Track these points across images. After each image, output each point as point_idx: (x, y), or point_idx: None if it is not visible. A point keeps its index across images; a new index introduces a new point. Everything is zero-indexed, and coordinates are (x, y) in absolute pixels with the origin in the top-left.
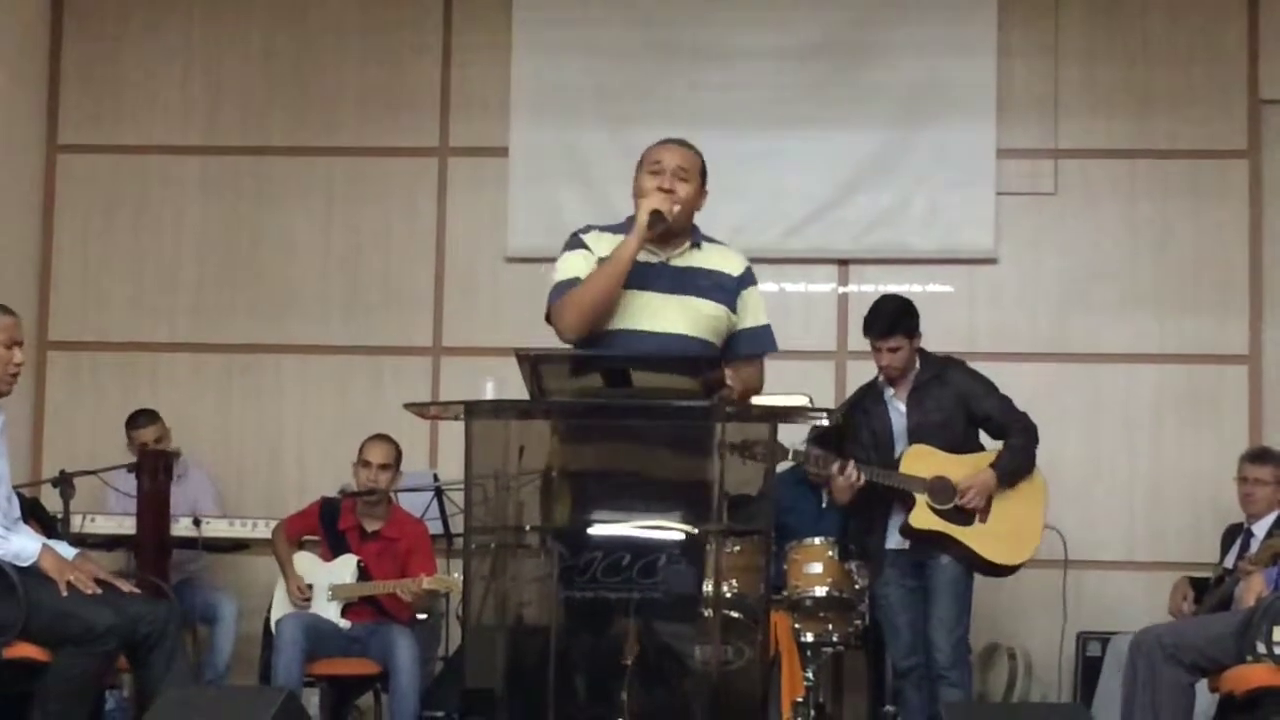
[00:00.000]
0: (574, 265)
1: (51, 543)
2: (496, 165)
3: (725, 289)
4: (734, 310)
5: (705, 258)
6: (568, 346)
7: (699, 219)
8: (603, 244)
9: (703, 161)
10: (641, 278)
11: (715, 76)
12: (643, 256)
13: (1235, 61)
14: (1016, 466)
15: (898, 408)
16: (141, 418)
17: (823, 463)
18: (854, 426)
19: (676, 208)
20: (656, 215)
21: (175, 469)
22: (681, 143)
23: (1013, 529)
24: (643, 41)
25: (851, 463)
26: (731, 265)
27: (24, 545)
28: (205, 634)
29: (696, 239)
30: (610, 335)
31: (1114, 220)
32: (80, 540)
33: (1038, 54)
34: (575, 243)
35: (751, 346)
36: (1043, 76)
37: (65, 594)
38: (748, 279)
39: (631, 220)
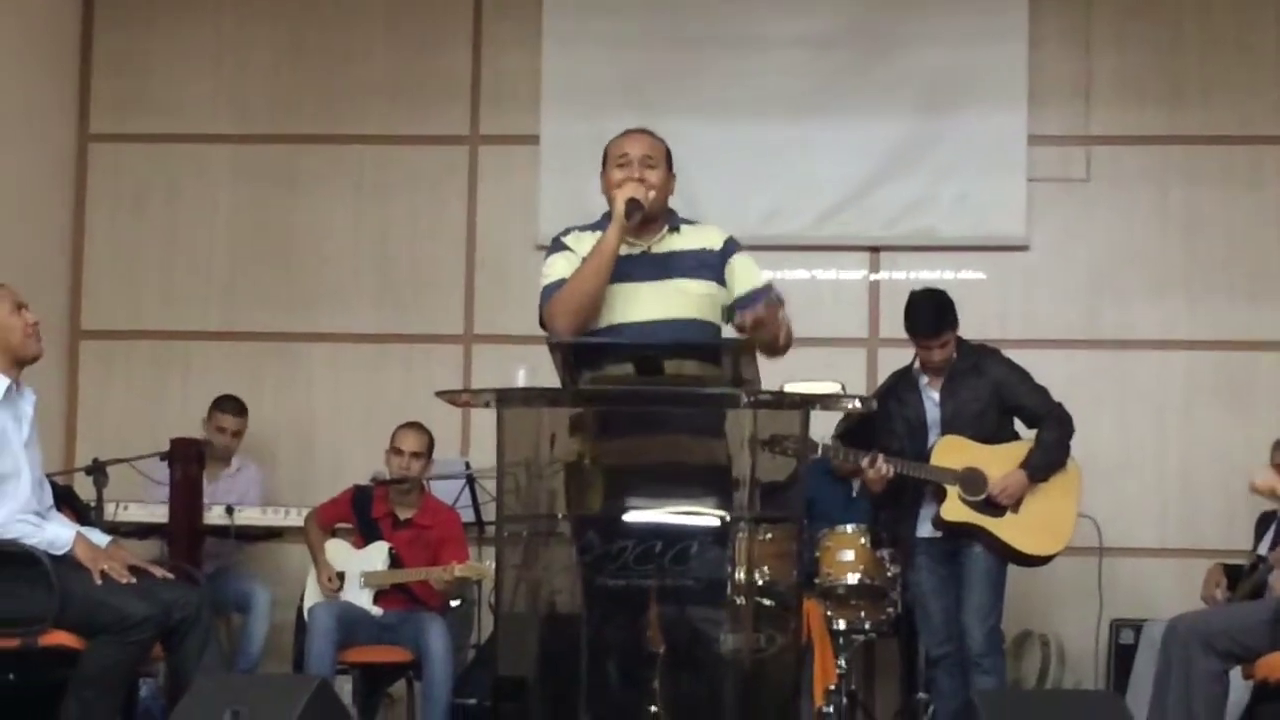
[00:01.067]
0: (559, 267)
1: (85, 531)
2: (527, 153)
3: (710, 265)
4: (723, 283)
5: (685, 239)
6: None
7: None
8: (584, 243)
9: (667, 147)
10: (626, 270)
11: (745, 65)
12: (624, 249)
13: (1268, 47)
14: (1049, 462)
15: (932, 397)
16: (230, 404)
17: (851, 456)
18: (887, 414)
19: (651, 193)
20: (633, 203)
21: (232, 463)
22: (644, 131)
23: (1046, 520)
24: (672, 30)
25: (880, 456)
26: (711, 240)
27: (58, 533)
28: (239, 622)
29: (674, 223)
30: (612, 329)
31: (1146, 207)
32: (113, 528)
33: (1069, 40)
34: (557, 246)
35: (756, 304)
36: (1074, 62)
37: (99, 582)
38: (730, 247)
39: (608, 216)
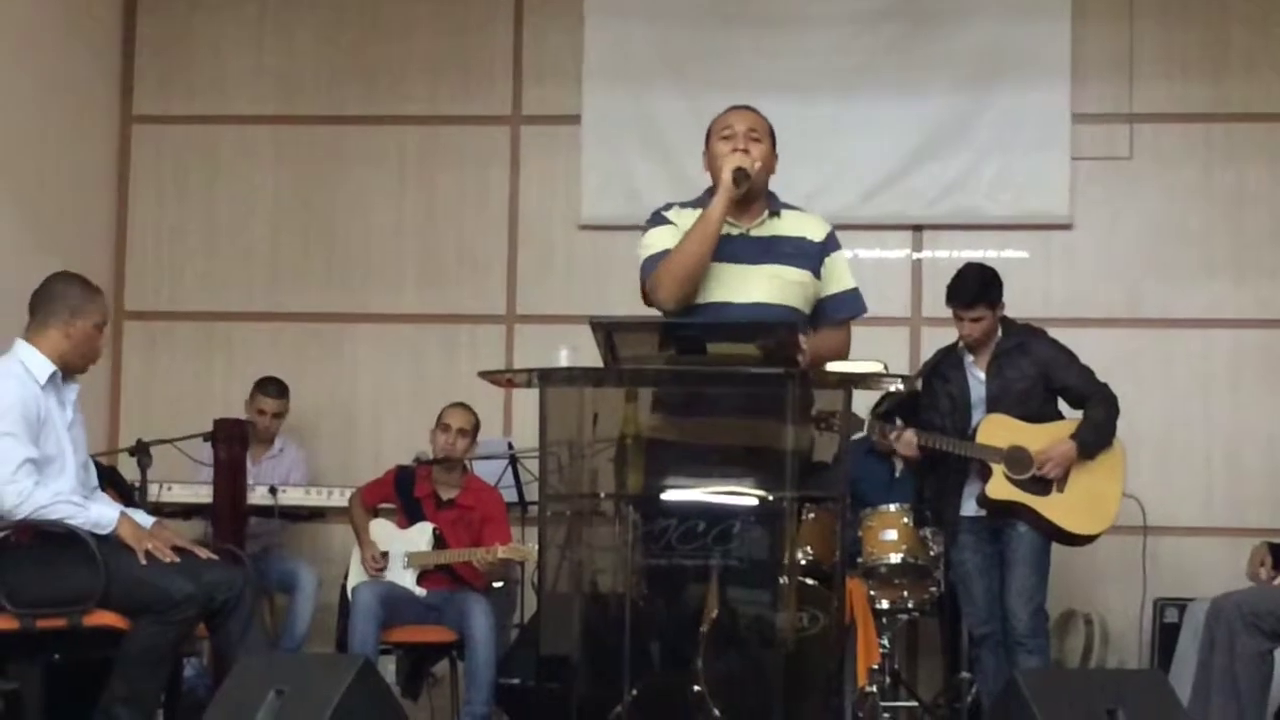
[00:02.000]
0: (661, 239)
1: (129, 511)
2: (569, 132)
3: (809, 254)
4: (818, 275)
5: (786, 225)
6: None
7: (772, 184)
8: (685, 218)
9: (771, 125)
10: (723, 250)
11: (787, 42)
12: (724, 229)
13: None
14: (1097, 439)
15: (977, 375)
16: (270, 386)
17: (879, 429)
18: (931, 391)
19: (757, 164)
20: (740, 172)
21: (275, 445)
22: (748, 108)
23: (1091, 499)
24: (714, 7)
25: (910, 430)
26: (814, 230)
27: (102, 514)
28: (284, 603)
29: (775, 207)
30: (698, 309)
31: (1190, 185)
32: (157, 509)
33: (1113, 17)
34: (658, 219)
35: (840, 311)
36: (1118, 40)
37: (143, 562)
38: (832, 243)
39: (710, 192)
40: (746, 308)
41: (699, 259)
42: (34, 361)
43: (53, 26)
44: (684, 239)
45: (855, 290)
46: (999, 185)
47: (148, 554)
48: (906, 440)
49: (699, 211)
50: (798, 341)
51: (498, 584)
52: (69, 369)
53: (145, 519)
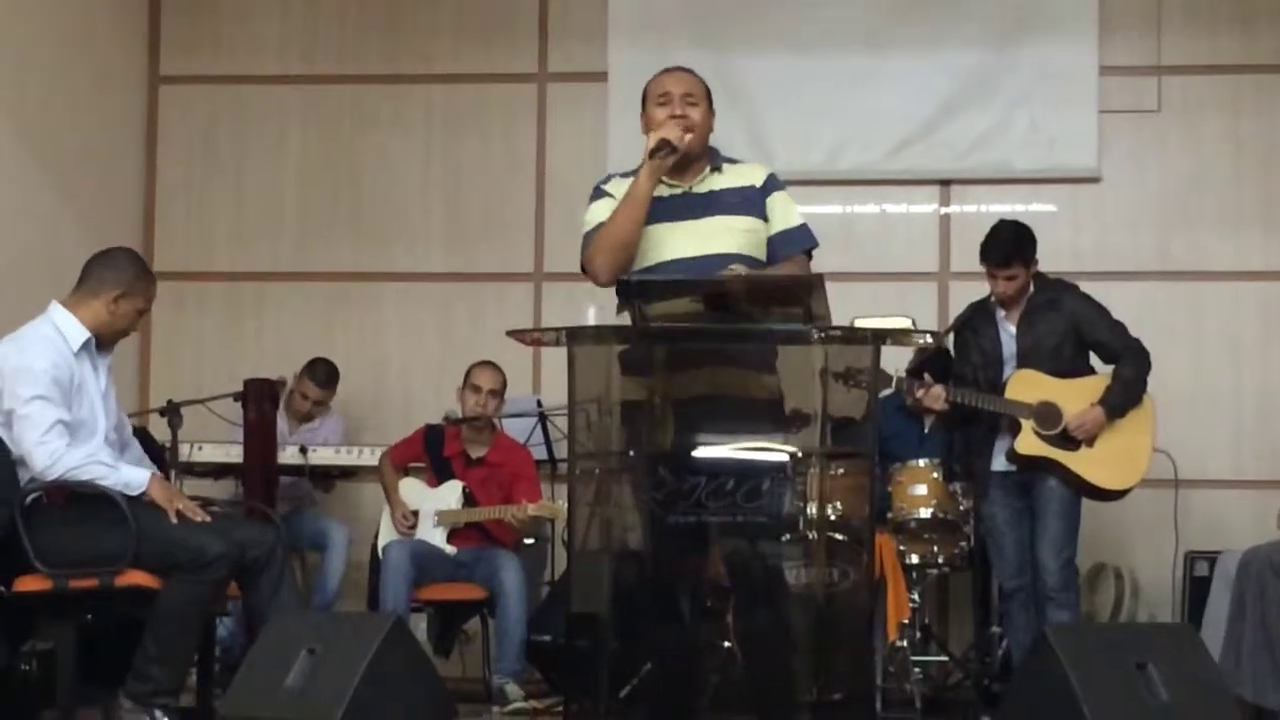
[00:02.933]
0: (598, 213)
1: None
2: (596, 90)
3: (752, 201)
4: (766, 219)
5: (726, 178)
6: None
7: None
8: (623, 188)
9: (707, 86)
10: (670, 210)
11: None
12: (666, 190)
13: None
14: (1127, 399)
15: (1008, 330)
16: (320, 372)
17: (906, 385)
18: (963, 345)
19: (688, 136)
20: (663, 144)
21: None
22: (683, 69)
23: (1121, 453)
24: None
25: (938, 386)
26: (753, 177)
27: (133, 475)
28: (316, 561)
29: (716, 162)
30: (657, 268)
31: (1218, 137)
32: (188, 469)
33: None
34: (598, 193)
35: (787, 247)
36: None
37: (175, 522)
38: (771, 184)
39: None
40: (699, 260)
41: (626, 234)
42: (69, 327)
43: None
44: (613, 215)
45: (803, 225)
46: (1026, 139)
47: (178, 514)
48: (935, 394)
49: None
50: (823, 293)
51: (528, 541)
52: (101, 341)
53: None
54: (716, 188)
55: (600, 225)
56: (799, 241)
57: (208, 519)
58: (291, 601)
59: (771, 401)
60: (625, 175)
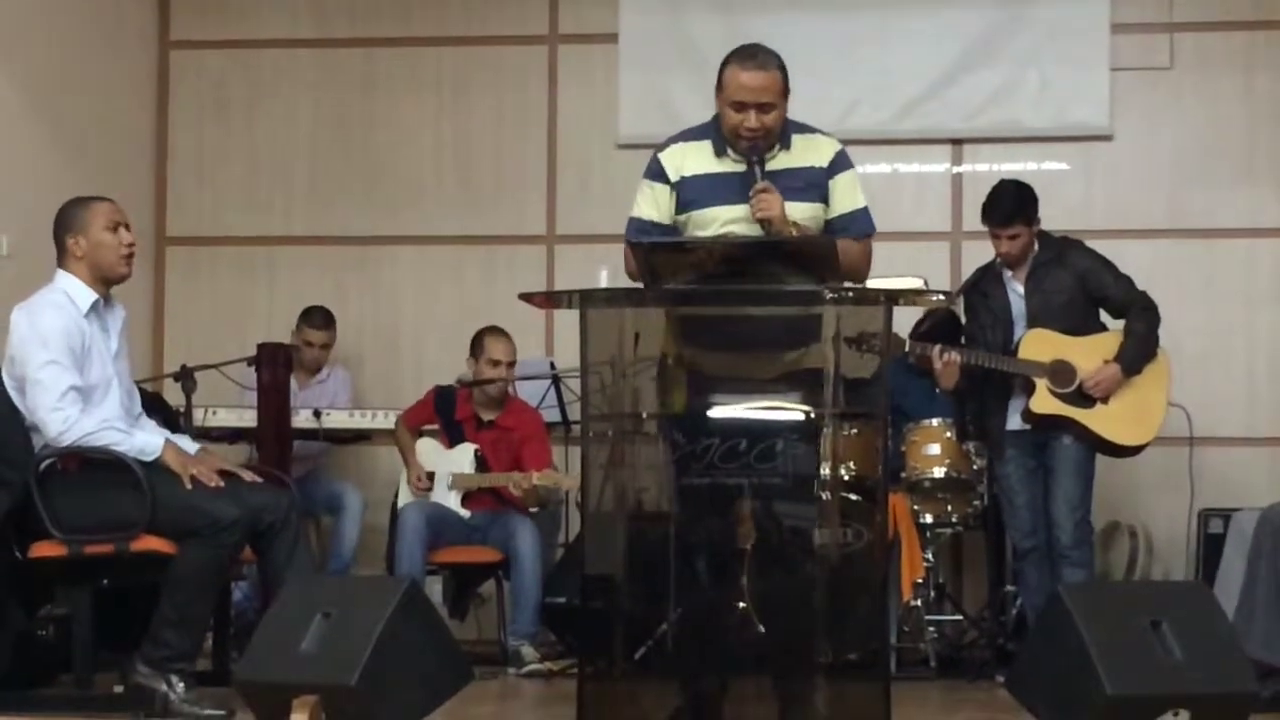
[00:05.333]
0: (644, 206)
1: (173, 438)
2: (606, 52)
3: (817, 184)
4: (828, 202)
5: (794, 156)
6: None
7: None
8: (687, 158)
9: (783, 75)
10: (730, 190)
11: None
12: (730, 167)
13: None
14: (1141, 354)
15: (1016, 290)
16: (316, 316)
17: (919, 349)
18: (972, 308)
19: (774, 211)
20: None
21: (321, 370)
22: (760, 65)
23: (1136, 409)
24: None
25: (952, 349)
26: (821, 156)
27: (147, 440)
28: (330, 525)
29: (785, 139)
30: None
31: (1231, 94)
32: (202, 433)
33: None
34: (651, 171)
35: (844, 231)
36: None
37: (189, 487)
38: (838, 164)
39: (714, 128)
40: None
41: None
42: (76, 290)
43: None
44: (639, 264)
45: (864, 209)
46: (1038, 97)
47: (193, 479)
48: (951, 372)
49: (703, 146)
50: (836, 256)
51: (534, 509)
52: (107, 283)
53: (190, 445)
54: (783, 167)
55: (641, 224)
56: (856, 226)
57: (222, 484)
58: (307, 565)
59: (785, 363)
60: (689, 138)
